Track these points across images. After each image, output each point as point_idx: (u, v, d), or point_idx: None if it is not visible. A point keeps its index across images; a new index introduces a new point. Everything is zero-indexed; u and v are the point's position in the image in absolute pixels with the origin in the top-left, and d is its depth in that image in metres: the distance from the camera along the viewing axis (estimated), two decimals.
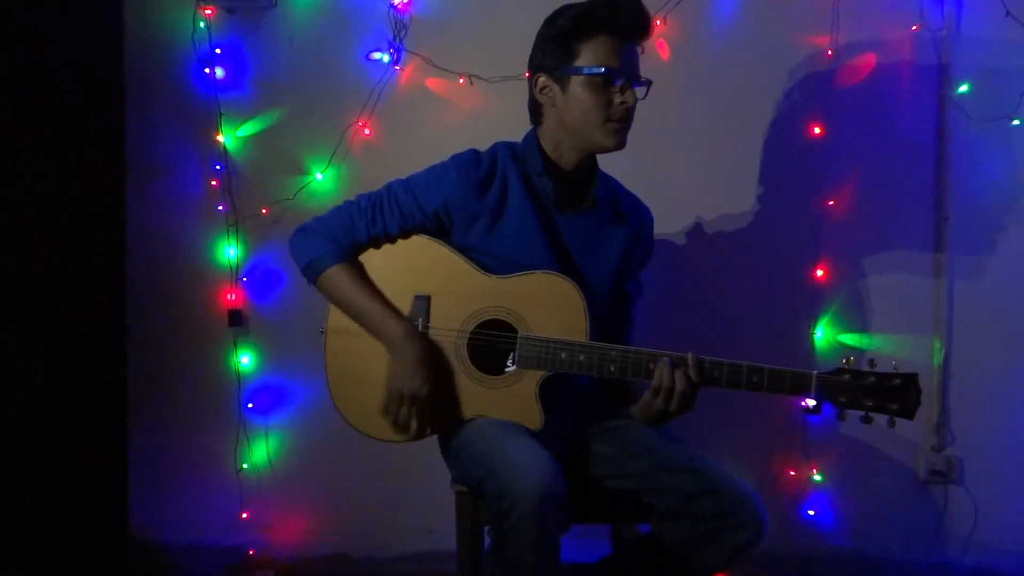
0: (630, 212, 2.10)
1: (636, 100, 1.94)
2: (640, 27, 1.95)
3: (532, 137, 2.03)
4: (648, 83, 1.98)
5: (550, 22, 1.98)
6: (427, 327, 1.96)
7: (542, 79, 1.98)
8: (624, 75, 1.92)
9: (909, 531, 2.71)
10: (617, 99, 1.92)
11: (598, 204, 2.03)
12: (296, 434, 2.76)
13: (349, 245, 1.99)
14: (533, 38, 1.94)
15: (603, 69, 1.90)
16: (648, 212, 2.15)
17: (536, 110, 2.03)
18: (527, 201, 1.98)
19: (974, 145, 2.64)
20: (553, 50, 1.95)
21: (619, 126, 1.94)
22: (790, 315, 2.68)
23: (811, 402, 2.61)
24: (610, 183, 2.11)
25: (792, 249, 2.68)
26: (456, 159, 2.00)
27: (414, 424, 1.92)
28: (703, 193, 2.69)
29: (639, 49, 1.98)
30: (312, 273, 2.00)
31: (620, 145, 1.96)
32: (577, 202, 2.03)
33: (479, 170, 1.98)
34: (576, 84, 1.93)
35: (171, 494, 2.78)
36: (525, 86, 1.98)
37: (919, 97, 2.65)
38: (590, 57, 1.91)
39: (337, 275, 1.97)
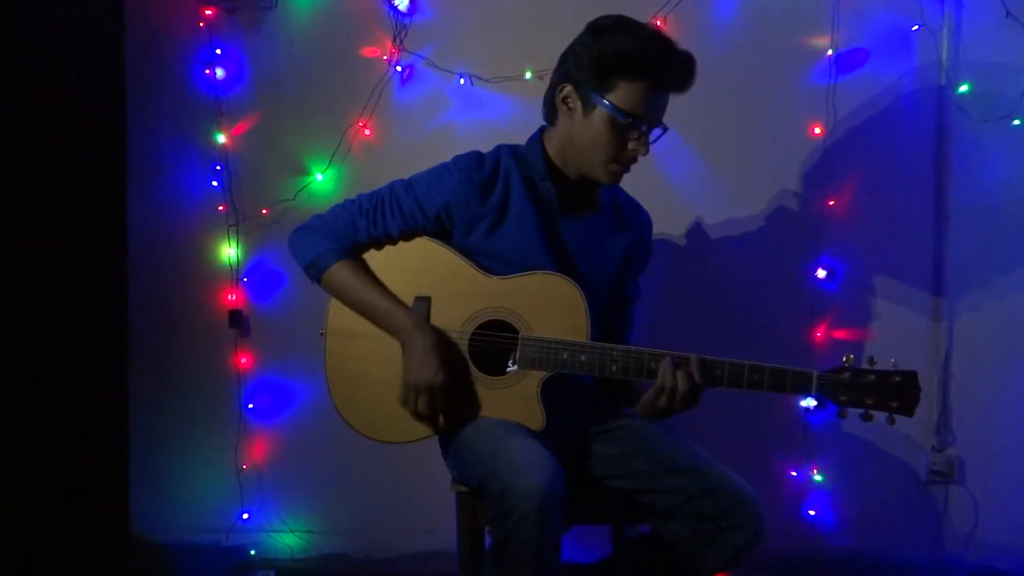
0: (631, 218, 2.09)
1: (647, 152, 1.90)
2: (683, 83, 1.89)
3: (538, 141, 2.02)
4: (665, 129, 1.93)
5: (598, 36, 1.88)
6: None
7: (568, 88, 1.92)
8: (648, 124, 1.89)
9: (910, 531, 2.71)
10: (631, 146, 1.89)
11: (601, 208, 2.02)
12: (296, 434, 2.76)
13: (350, 244, 1.99)
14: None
15: (630, 119, 1.86)
16: (648, 218, 2.14)
17: (552, 112, 1.99)
18: (529, 204, 1.97)
19: (975, 145, 2.64)
20: (589, 68, 1.87)
21: (621, 168, 1.93)
22: (791, 315, 2.68)
23: (812, 402, 2.64)
24: (611, 187, 2.09)
25: (793, 249, 2.68)
26: (458, 161, 1.99)
27: (434, 414, 1.91)
28: (703, 193, 2.69)
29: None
30: (315, 271, 1.99)
31: (615, 184, 1.99)
32: (580, 206, 2.02)
33: (481, 172, 1.97)
34: (598, 114, 1.88)
35: (171, 494, 2.78)
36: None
37: (919, 97, 2.65)
38: (623, 98, 1.85)
39: (341, 272, 1.97)
